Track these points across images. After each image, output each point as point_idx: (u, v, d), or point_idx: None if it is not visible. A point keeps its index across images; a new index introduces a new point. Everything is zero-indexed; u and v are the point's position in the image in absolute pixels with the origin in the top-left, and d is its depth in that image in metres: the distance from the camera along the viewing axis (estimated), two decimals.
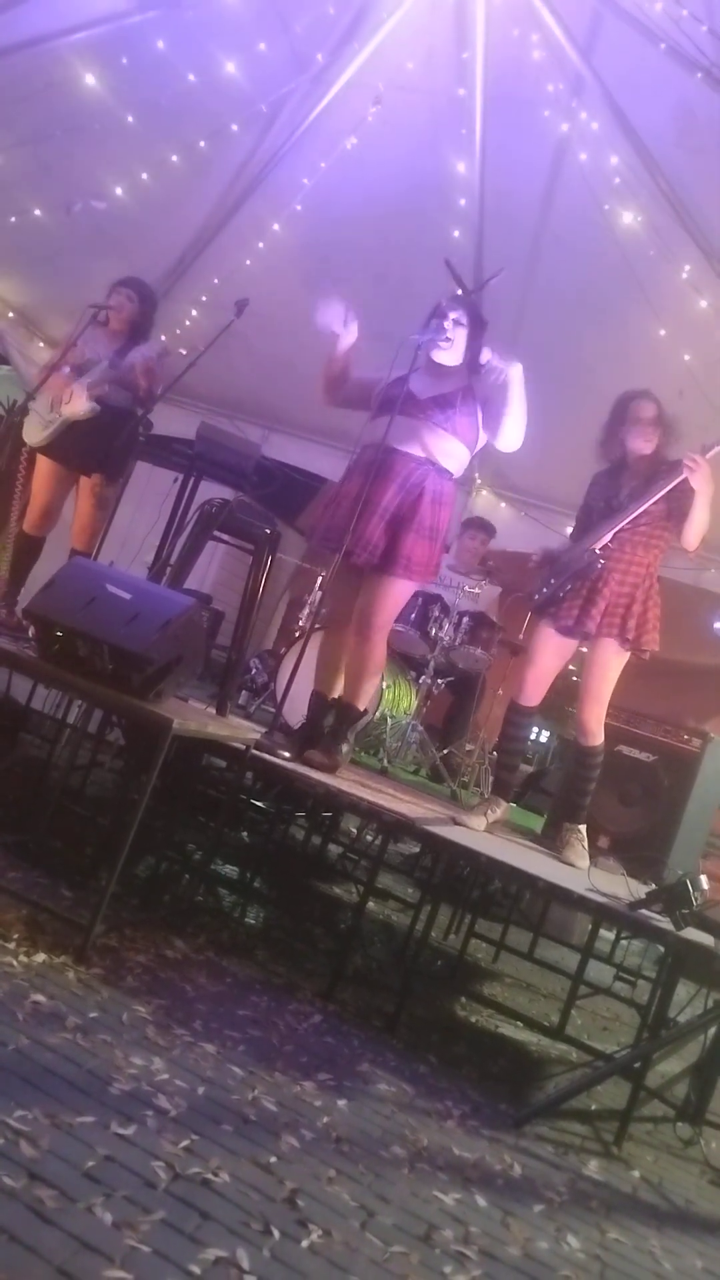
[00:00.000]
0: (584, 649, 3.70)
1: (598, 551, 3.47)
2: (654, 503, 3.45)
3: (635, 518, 3.46)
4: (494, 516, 5.95)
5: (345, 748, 3.57)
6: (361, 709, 3.63)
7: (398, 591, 3.50)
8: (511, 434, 3.48)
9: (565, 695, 5.11)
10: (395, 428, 3.39)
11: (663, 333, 4.72)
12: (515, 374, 3.39)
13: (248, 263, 5.54)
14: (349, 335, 3.51)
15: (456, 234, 5.04)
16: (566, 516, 5.38)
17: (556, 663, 3.69)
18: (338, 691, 3.65)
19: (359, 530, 3.37)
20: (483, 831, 3.49)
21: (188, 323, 5.84)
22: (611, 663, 3.55)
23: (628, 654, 3.54)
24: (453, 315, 3.49)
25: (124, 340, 4.30)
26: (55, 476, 4.33)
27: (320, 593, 5.01)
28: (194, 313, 5.87)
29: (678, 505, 3.45)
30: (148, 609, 2.89)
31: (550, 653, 3.64)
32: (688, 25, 3.72)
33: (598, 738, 3.66)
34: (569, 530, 4.00)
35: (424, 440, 3.43)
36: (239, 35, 4.53)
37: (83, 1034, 2.21)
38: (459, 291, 3.81)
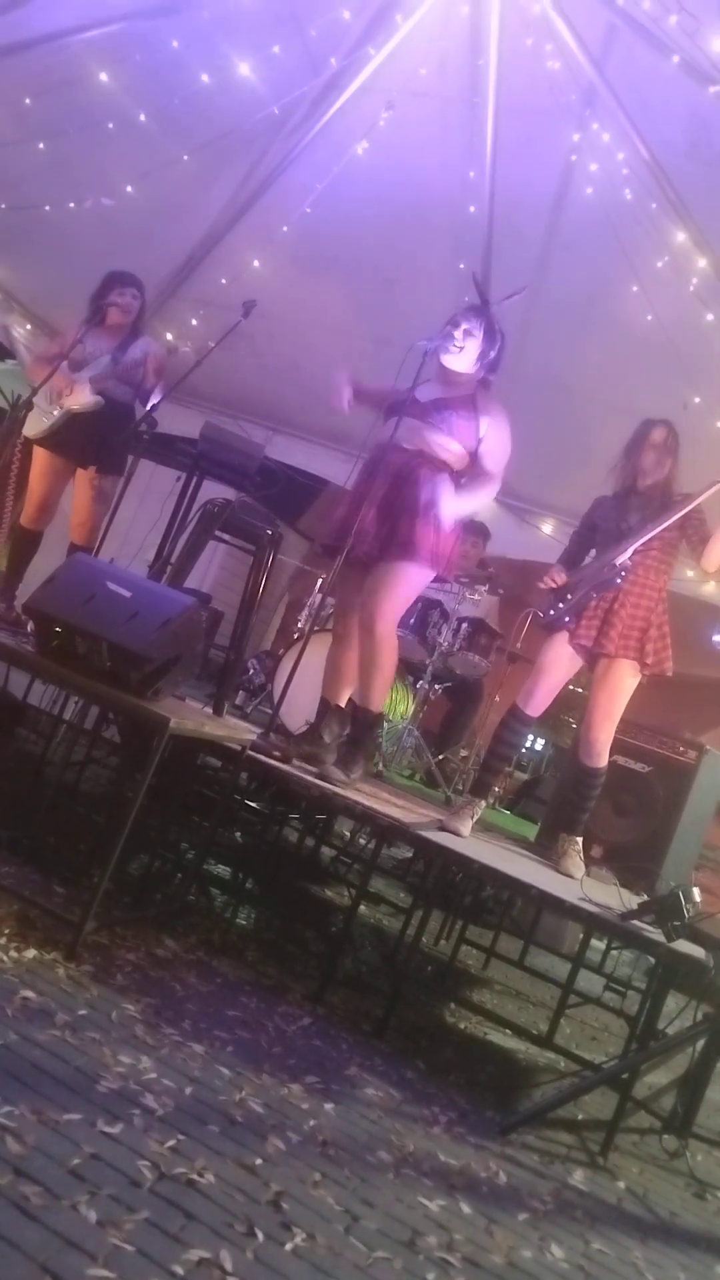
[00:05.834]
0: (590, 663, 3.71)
1: (617, 565, 3.48)
2: (669, 529, 3.48)
3: (649, 540, 3.48)
4: (494, 524, 5.95)
5: (361, 762, 3.52)
6: (376, 712, 3.53)
7: (403, 577, 3.41)
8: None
9: (563, 704, 5.10)
10: (400, 429, 3.42)
11: (669, 345, 4.72)
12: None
13: (256, 264, 5.54)
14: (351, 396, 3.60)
15: (466, 241, 5.04)
16: (567, 524, 5.38)
17: (566, 676, 3.69)
18: (343, 699, 3.63)
19: (357, 526, 3.37)
20: (469, 836, 3.48)
21: (194, 322, 5.84)
22: (625, 683, 3.56)
23: (639, 676, 3.56)
24: (465, 325, 3.50)
25: (123, 336, 4.32)
26: (52, 469, 4.34)
27: (320, 595, 5.00)
28: (201, 312, 5.87)
29: (695, 532, 3.50)
30: (147, 607, 2.89)
31: (563, 666, 3.64)
32: (702, 38, 3.73)
33: (604, 759, 3.66)
34: (568, 534, 4.00)
35: (421, 435, 3.46)
36: (253, 37, 4.54)
37: (71, 1031, 2.21)
38: (472, 301, 3.81)
